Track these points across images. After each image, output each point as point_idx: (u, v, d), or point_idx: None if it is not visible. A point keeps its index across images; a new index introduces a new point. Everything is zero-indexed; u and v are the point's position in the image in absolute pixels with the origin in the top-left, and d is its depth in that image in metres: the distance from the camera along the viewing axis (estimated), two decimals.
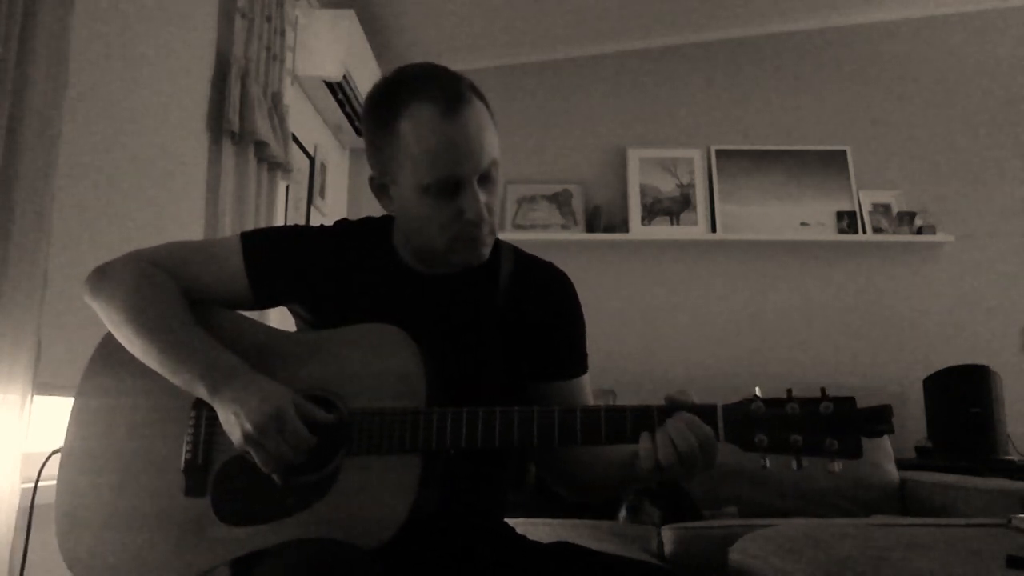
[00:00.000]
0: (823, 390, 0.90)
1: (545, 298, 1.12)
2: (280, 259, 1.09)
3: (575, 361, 1.14)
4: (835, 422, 0.88)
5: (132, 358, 1.02)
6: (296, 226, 1.19)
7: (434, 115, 0.95)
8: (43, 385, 1.36)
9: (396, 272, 1.09)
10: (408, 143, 0.97)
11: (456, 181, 0.97)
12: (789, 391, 0.91)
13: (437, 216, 0.99)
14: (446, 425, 0.93)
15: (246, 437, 0.92)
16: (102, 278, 1.06)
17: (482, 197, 0.99)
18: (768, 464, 0.90)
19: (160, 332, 1.00)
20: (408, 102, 0.97)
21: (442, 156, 0.96)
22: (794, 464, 0.89)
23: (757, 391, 0.92)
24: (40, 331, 1.32)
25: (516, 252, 1.16)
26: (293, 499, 0.94)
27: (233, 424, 0.93)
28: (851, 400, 0.89)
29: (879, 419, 0.88)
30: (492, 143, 1.00)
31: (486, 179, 1.00)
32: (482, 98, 1.02)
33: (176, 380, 0.99)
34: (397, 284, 1.08)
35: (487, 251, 1.05)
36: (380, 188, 1.06)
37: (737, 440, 0.90)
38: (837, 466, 0.88)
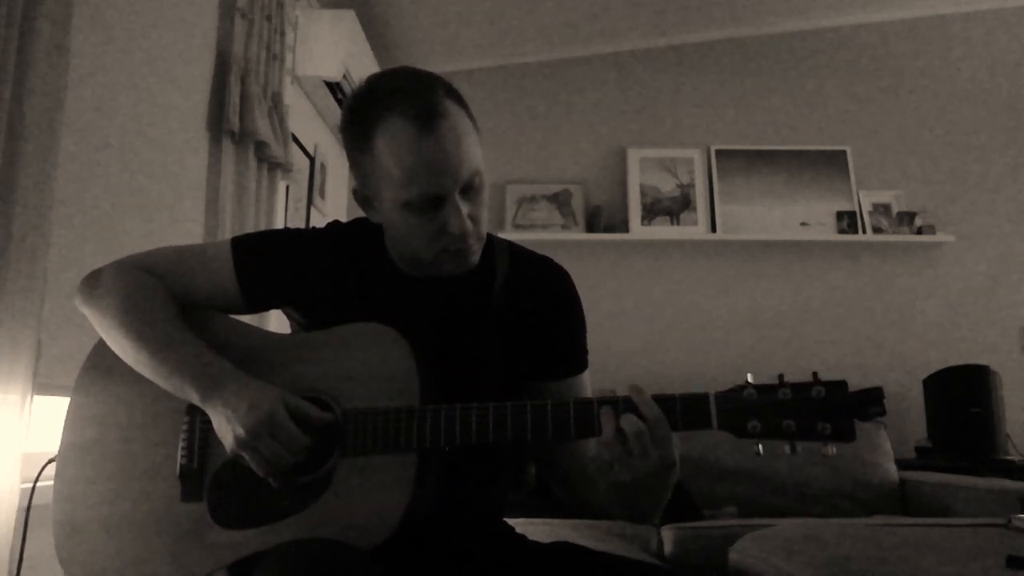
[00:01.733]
0: (815, 374, 0.90)
1: (543, 295, 1.11)
2: (270, 263, 1.08)
3: (575, 358, 1.13)
4: (827, 406, 0.88)
5: (124, 363, 1.02)
6: (287, 229, 1.18)
7: (409, 132, 0.93)
8: (43, 385, 1.36)
9: (389, 274, 1.09)
10: (385, 162, 0.95)
11: (437, 197, 0.95)
12: (781, 376, 0.90)
13: (421, 231, 0.98)
14: (440, 423, 0.93)
15: (238, 442, 0.91)
16: (93, 285, 1.06)
17: (465, 208, 0.97)
18: (762, 451, 0.90)
19: (151, 338, 0.99)
20: (382, 118, 0.94)
21: (420, 174, 0.93)
22: (787, 449, 0.89)
23: (749, 377, 0.91)
24: (40, 331, 1.32)
25: (512, 249, 1.14)
26: (289, 501, 0.94)
27: (225, 429, 0.93)
28: (843, 383, 0.89)
29: (871, 401, 0.88)
30: (472, 153, 0.97)
31: (468, 189, 0.97)
32: (460, 102, 0.98)
33: (168, 386, 0.99)
34: (390, 286, 1.08)
35: (475, 259, 1.04)
36: (364, 200, 1.05)
37: (730, 427, 0.89)
38: (831, 450, 0.88)
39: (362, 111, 0.98)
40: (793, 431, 0.88)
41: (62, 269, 1.43)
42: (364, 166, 0.99)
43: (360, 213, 1.13)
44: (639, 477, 0.88)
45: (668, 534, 1.91)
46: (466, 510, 1.05)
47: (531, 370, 1.09)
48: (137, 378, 1.01)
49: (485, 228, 1.04)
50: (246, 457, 0.93)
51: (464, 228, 0.97)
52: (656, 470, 0.88)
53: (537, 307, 1.10)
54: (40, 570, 1.22)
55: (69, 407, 1.05)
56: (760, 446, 0.90)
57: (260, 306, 1.13)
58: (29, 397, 1.29)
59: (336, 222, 1.17)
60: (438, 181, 0.94)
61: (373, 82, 1.00)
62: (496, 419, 0.93)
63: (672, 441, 0.89)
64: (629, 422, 0.88)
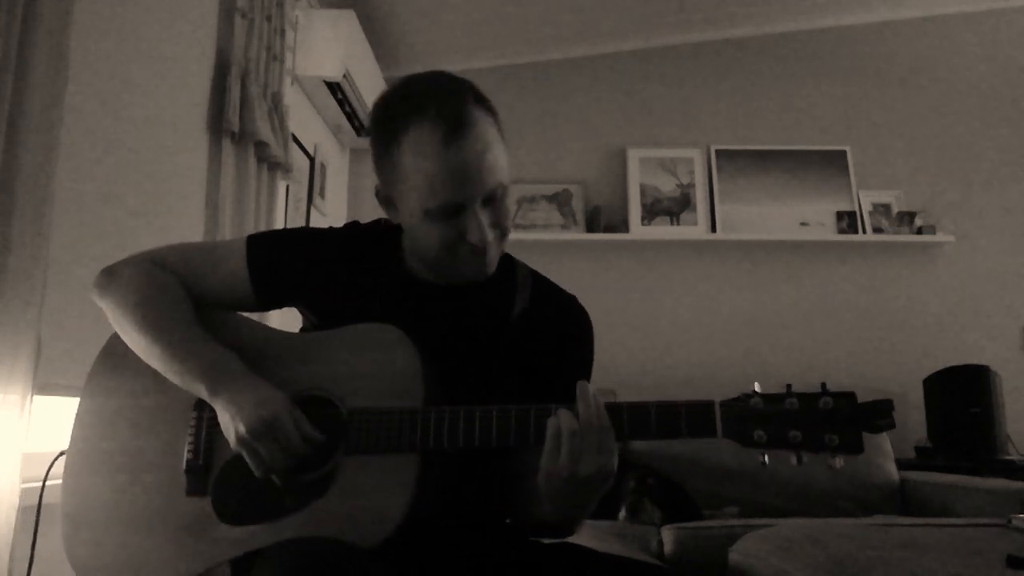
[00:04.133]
0: (823, 385, 0.89)
1: (560, 331, 1.10)
2: (284, 263, 1.09)
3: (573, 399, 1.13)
4: (835, 417, 0.87)
5: (136, 359, 1.03)
6: (303, 229, 1.18)
7: (435, 140, 0.92)
8: (43, 385, 1.36)
9: (403, 280, 1.09)
10: (408, 167, 0.95)
11: (457, 206, 0.95)
12: (788, 386, 0.90)
13: (439, 237, 0.98)
14: (443, 424, 0.93)
15: (240, 440, 0.92)
16: (110, 279, 1.07)
17: (487, 219, 0.97)
18: (767, 461, 0.89)
19: (164, 332, 1.01)
20: (409, 124, 0.94)
21: (443, 183, 0.93)
22: (794, 460, 0.88)
23: (756, 387, 0.91)
24: (40, 331, 1.32)
25: (535, 277, 1.14)
26: (292, 498, 0.94)
27: (228, 426, 0.94)
28: (851, 395, 0.88)
29: (880, 414, 0.87)
30: (498, 165, 0.96)
31: (491, 200, 0.97)
32: (490, 110, 0.99)
33: (179, 380, 1.00)
34: (405, 291, 1.08)
35: (492, 267, 1.04)
36: (385, 200, 1.05)
37: (735, 436, 0.89)
38: (838, 462, 0.87)
39: (391, 112, 0.98)
40: (799, 442, 0.87)
41: (62, 269, 1.43)
42: (388, 168, 0.99)
43: (361, 213, 1.13)
44: (578, 476, 0.87)
45: (668, 534, 1.91)
46: (468, 510, 1.05)
47: (529, 399, 1.08)
48: (147, 373, 1.02)
49: (507, 236, 1.03)
50: (245, 455, 0.93)
51: (483, 238, 0.97)
52: (592, 474, 0.87)
53: (552, 341, 1.09)
54: (49, 568, 1.22)
55: (81, 401, 1.07)
56: (766, 456, 0.89)
57: (272, 304, 1.13)
58: (29, 397, 1.29)
59: (355, 223, 1.17)
60: (460, 191, 0.94)
61: (405, 84, 1.00)
62: (500, 423, 0.93)
63: (614, 453, 0.88)
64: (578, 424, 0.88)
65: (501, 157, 0.98)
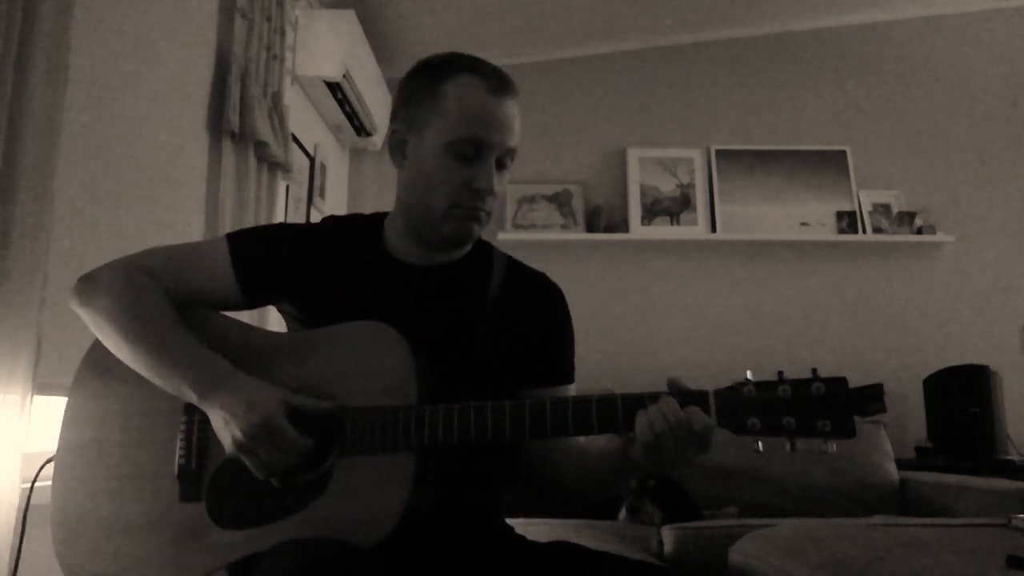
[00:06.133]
0: (814, 371, 0.90)
1: (536, 306, 1.13)
2: (267, 257, 1.08)
3: (561, 371, 1.14)
4: (827, 402, 0.88)
5: (121, 363, 1.02)
6: (282, 224, 1.19)
7: (481, 86, 1.02)
8: (43, 385, 1.36)
9: (385, 265, 1.10)
10: (448, 100, 1.02)
11: (479, 147, 1.01)
12: (780, 373, 0.90)
13: (447, 177, 1.02)
14: (438, 421, 0.93)
15: (237, 445, 0.92)
16: (88, 286, 1.05)
17: (494, 177, 1.03)
18: (761, 448, 0.90)
19: (148, 337, 0.99)
20: (460, 71, 1.03)
21: (477, 119, 1.01)
22: (788, 446, 0.89)
23: (749, 374, 0.91)
24: (40, 331, 1.32)
25: (509, 260, 1.17)
26: (288, 500, 0.93)
27: (224, 431, 0.93)
28: (842, 380, 0.89)
29: (871, 397, 0.88)
30: (518, 137, 1.06)
31: (502, 165, 1.04)
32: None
33: (166, 386, 0.98)
34: (386, 277, 1.08)
35: (479, 230, 1.07)
36: (399, 144, 1.08)
37: (729, 424, 0.90)
38: (832, 447, 0.88)
39: (442, 62, 1.06)
40: (793, 428, 0.88)
41: (62, 269, 1.43)
42: (419, 104, 1.04)
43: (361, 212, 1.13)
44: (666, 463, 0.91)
45: (668, 534, 1.91)
46: (465, 509, 1.05)
47: (519, 377, 1.10)
48: (134, 377, 1.01)
49: (495, 208, 1.08)
50: (244, 460, 0.93)
51: (490, 187, 1.02)
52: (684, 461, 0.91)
53: (530, 317, 1.12)
54: (38, 570, 1.22)
55: (67, 407, 1.05)
56: (759, 443, 0.90)
57: (258, 301, 1.12)
58: (29, 397, 1.29)
59: (332, 216, 1.18)
60: (489, 132, 1.01)
61: (451, 52, 1.08)
62: (495, 418, 0.93)
63: (708, 441, 0.89)
64: (675, 415, 0.88)
65: (519, 138, 1.06)
